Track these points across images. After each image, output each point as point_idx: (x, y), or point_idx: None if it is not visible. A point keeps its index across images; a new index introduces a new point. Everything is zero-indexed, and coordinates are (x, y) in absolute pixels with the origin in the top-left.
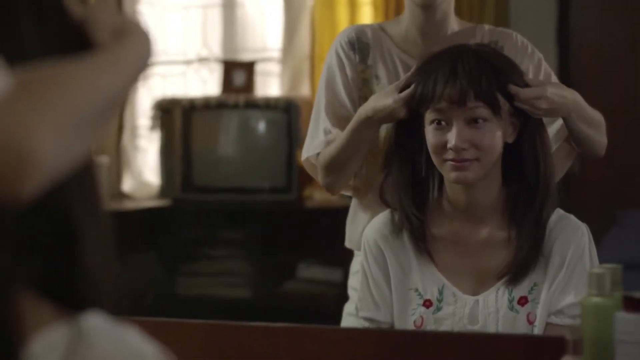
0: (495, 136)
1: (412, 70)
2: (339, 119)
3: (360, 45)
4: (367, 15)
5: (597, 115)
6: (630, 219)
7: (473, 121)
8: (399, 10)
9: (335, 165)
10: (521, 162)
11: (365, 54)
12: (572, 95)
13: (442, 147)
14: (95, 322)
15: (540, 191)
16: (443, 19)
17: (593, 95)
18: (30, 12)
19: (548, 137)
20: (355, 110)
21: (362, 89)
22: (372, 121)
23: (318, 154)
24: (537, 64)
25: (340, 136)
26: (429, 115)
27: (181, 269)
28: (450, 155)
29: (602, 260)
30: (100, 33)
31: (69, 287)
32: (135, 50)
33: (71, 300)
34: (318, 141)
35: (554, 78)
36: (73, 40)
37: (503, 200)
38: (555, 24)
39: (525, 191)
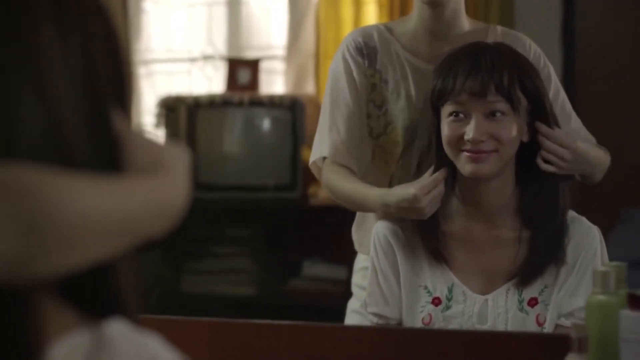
0: (513, 130)
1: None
2: (347, 123)
3: (368, 50)
4: (371, 14)
5: (604, 159)
6: (636, 217)
7: (492, 114)
8: (403, 8)
9: (337, 197)
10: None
11: (374, 59)
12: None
13: (459, 139)
14: (118, 329)
15: (561, 194)
16: (453, 17)
17: (598, 95)
18: (85, 126)
19: None
20: (361, 113)
21: (371, 93)
22: (385, 208)
23: (324, 158)
24: (547, 77)
25: (348, 187)
26: (447, 108)
27: (186, 266)
28: (467, 146)
29: (608, 258)
30: (138, 158)
31: (93, 293)
32: (165, 191)
33: (95, 306)
34: (325, 145)
35: (563, 93)
36: (112, 158)
37: (515, 201)
38: (560, 24)
39: (543, 193)
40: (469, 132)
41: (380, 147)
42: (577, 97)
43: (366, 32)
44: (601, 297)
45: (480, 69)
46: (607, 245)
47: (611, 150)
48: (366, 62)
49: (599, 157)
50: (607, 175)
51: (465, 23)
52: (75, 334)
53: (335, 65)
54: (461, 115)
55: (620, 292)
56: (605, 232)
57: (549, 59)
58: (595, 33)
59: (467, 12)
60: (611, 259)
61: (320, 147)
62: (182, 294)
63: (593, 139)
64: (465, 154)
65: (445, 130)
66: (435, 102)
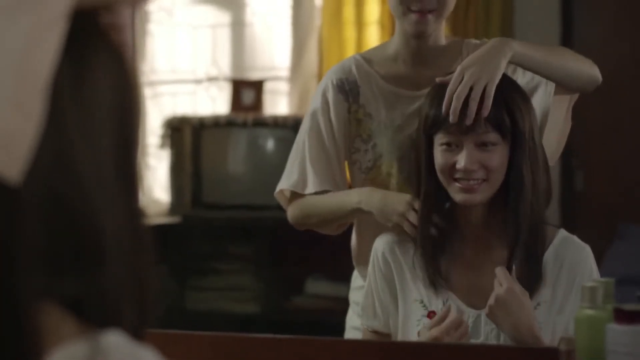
0: (503, 158)
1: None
2: (324, 163)
3: (349, 85)
4: (373, 35)
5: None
6: (634, 233)
7: (482, 145)
8: None
9: (313, 221)
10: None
11: (356, 94)
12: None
13: (451, 167)
14: (115, 340)
15: (522, 215)
16: (435, 43)
17: (597, 110)
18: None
19: (538, 163)
20: (339, 153)
21: (357, 128)
22: (366, 214)
23: (292, 191)
24: (544, 94)
25: (324, 204)
26: (439, 137)
27: (191, 284)
28: (459, 175)
29: (607, 274)
30: None
31: (94, 304)
32: None
33: (95, 317)
34: (294, 179)
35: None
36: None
37: (499, 222)
38: (559, 41)
39: (513, 214)
40: (461, 161)
41: (371, 181)
42: (576, 114)
43: (345, 68)
44: (589, 312)
45: (468, 105)
46: (605, 261)
47: (610, 165)
48: (350, 98)
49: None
50: (606, 190)
51: (443, 41)
52: (73, 344)
53: (315, 103)
54: (453, 146)
55: (607, 306)
56: (603, 248)
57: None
58: (594, 48)
59: (468, 28)
60: (610, 275)
61: (289, 180)
62: (186, 310)
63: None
64: (457, 184)
65: (438, 158)
66: (428, 130)
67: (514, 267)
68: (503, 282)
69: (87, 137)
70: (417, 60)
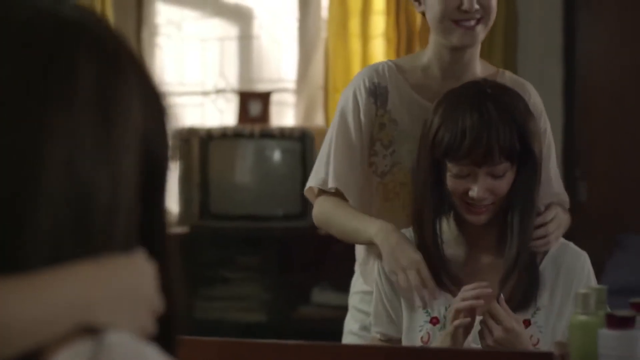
0: (510, 181)
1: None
2: (348, 160)
3: (380, 90)
4: (379, 48)
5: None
6: (634, 243)
7: (494, 173)
8: (410, 42)
9: (329, 224)
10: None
11: (385, 99)
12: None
13: (464, 192)
14: (118, 338)
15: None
16: (469, 61)
17: (599, 121)
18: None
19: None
20: (363, 153)
21: (379, 132)
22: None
23: (320, 188)
24: (542, 132)
25: (345, 220)
26: (452, 166)
27: (199, 293)
28: (470, 200)
29: (607, 283)
30: None
31: None
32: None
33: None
34: (320, 177)
35: (553, 152)
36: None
37: (503, 230)
38: (561, 53)
39: (512, 234)
40: (474, 191)
41: (384, 185)
42: (579, 125)
43: (379, 72)
44: (582, 317)
45: (486, 132)
46: (606, 270)
47: (610, 176)
48: (378, 102)
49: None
50: (606, 200)
51: (478, 66)
52: (78, 342)
53: (344, 102)
54: (465, 174)
55: (600, 312)
56: (605, 257)
57: (550, 102)
58: (597, 64)
59: None
60: (611, 284)
61: (317, 177)
62: (194, 319)
63: (566, 198)
64: (466, 205)
65: (450, 181)
66: (439, 155)
67: (502, 295)
68: (501, 320)
69: (110, 154)
70: (448, 73)
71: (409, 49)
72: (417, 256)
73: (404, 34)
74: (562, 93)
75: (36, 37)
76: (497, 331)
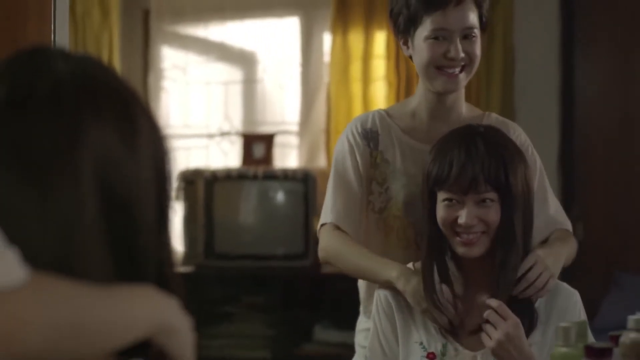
0: (499, 213)
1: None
2: (347, 199)
3: (371, 134)
4: (380, 91)
5: (572, 250)
6: (630, 282)
7: (482, 201)
8: (409, 85)
9: (340, 265)
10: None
11: (376, 142)
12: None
13: (453, 221)
14: None
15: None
16: (454, 103)
17: (596, 164)
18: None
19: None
20: (361, 191)
21: (374, 172)
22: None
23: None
24: (532, 169)
25: (357, 259)
26: (441, 194)
27: (203, 331)
28: (459, 229)
29: (603, 320)
30: None
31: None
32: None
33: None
34: (328, 215)
35: (547, 183)
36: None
37: (492, 269)
38: (559, 92)
39: (500, 265)
40: (462, 217)
41: (383, 220)
42: (578, 167)
43: (370, 119)
44: (563, 349)
45: (471, 160)
46: (601, 308)
47: (608, 215)
48: (371, 145)
49: (569, 253)
50: (604, 240)
51: (464, 107)
52: None
53: (340, 146)
54: (454, 201)
55: (579, 345)
56: (601, 295)
57: (547, 143)
58: (593, 104)
59: (469, 99)
60: (607, 321)
61: (324, 216)
62: (198, 357)
63: (569, 224)
64: (458, 238)
65: (441, 212)
66: (431, 186)
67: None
68: (507, 316)
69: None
70: (435, 115)
71: (409, 92)
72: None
73: (404, 77)
74: (559, 134)
75: (59, 109)
76: (506, 325)
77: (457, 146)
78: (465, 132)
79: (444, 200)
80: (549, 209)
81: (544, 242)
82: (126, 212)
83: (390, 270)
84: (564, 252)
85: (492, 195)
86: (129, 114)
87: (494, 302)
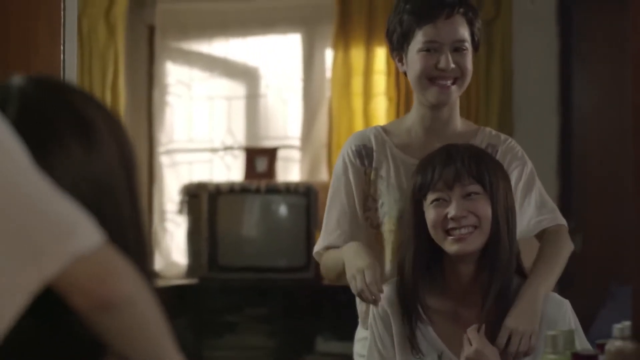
0: (488, 208)
1: None
2: (340, 219)
3: (366, 151)
4: (381, 105)
5: (567, 253)
6: (625, 294)
7: (468, 195)
8: (408, 100)
9: (330, 276)
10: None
11: (371, 159)
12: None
13: (443, 219)
14: None
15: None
16: (449, 117)
17: (594, 176)
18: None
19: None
20: (354, 210)
21: (370, 189)
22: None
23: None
24: (522, 168)
25: (331, 259)
26: (429, 197)
27: (207, 342)
28: (451, 225)
29: (599, 332)
30: None
31: None
32: None
33: None
34: (324, 239)
35: (538, 183)
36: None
37: (482, 283)
38: (557, 109)
39: (491, 265)
40: (451, 210)
41: (380, 235)
42: (574, 184)
43: (364, 136)
44: (551, 357)
45: (453, 160)
46: (597, 320)
47: (605, 228)
48: (365, 162)
49: (561, 264)
50: (601, 252)
51: (458, 122)
52: None
53: (337, 166)
54: (442, 200)
55: (567, 352)
56: (597, 307)
57: (546, 156)
58: (590, 119)
59: (468, 99)
60: (603, 333)
61: (321, 241)
62: None
63: (561, 219)
64: (450, 237)
65: (431, 214)
66: (418, 195)
67: (483, 326)
68: (473, 342)
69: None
70: (430, 129)
71: (408, 107)
72: (364, 263)
73: (404, 92)
74: (557, 148)
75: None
76: (469, 351)
77: (437, 154)
78: (445, 146)
79: (432, 202)
80: (537, 208)
81: (539, 247)
82: (103, 199)
83: (342, 249)
84: (555, 273)
85: (477, 188)
86: (84, 121)
87: (469, 330)
